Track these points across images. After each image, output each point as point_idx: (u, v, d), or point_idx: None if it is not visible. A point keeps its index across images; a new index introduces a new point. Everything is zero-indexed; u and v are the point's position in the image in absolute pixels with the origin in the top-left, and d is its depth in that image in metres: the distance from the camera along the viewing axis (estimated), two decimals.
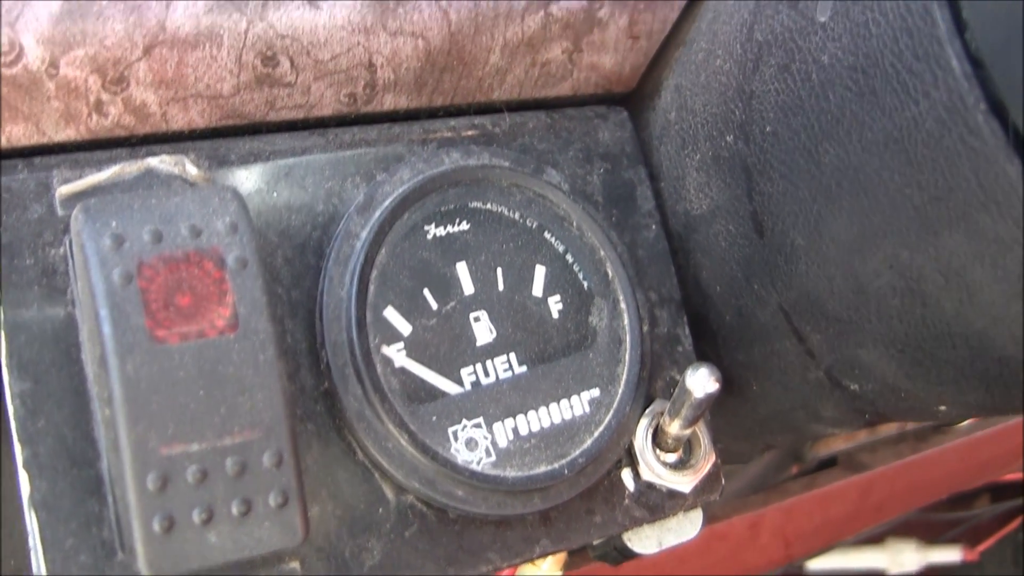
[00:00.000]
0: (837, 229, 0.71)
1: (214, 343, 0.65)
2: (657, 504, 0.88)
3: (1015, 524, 2.76)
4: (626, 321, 0.86)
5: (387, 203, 0.80)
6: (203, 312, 0.65)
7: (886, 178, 0.65)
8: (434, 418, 0.79)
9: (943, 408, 0.81)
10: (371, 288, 0.79)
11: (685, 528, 0.92)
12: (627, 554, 0.91)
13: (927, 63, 0.59)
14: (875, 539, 2.44)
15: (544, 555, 0.84)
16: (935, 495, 2.10)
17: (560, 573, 1.02)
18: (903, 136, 0.62)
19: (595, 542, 0.89)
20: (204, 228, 0.67)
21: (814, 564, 2.34)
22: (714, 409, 0.93)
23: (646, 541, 0.90)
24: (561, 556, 0.99)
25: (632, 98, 0.99)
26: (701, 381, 0.78)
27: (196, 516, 0.63)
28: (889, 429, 1.84)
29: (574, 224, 0.87)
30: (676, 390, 0.81)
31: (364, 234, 0.79)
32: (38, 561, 0.68)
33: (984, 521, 2.71)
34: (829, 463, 1.86)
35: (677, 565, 1.58)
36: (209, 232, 0.67)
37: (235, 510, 0.64)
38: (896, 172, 0.64)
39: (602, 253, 0.87)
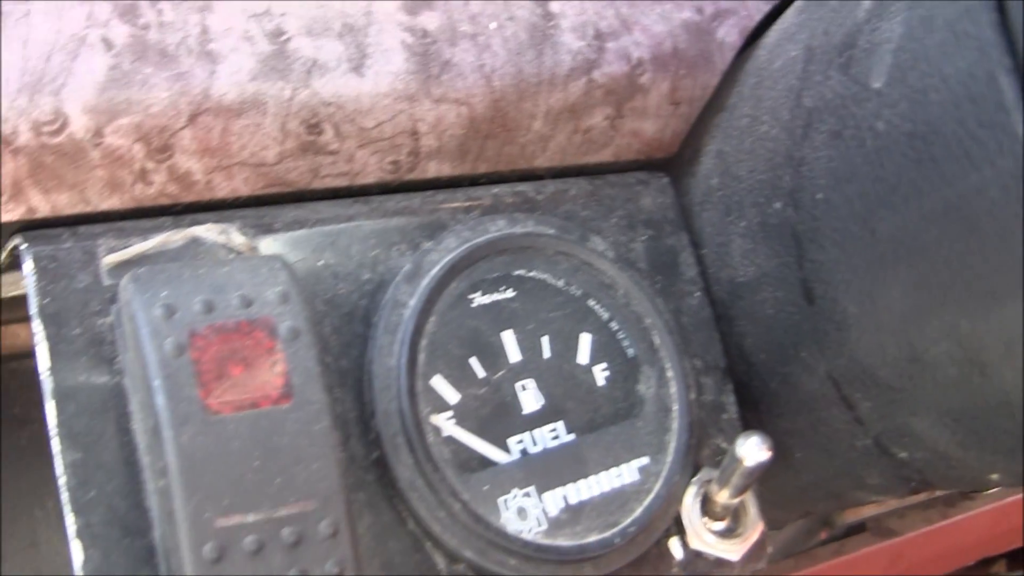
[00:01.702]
0: (892, 297, 0.70)
1: (268, 413, 0.65)
2: (705, 573, 0.86)
3: None
4: (674, 389, 0.85)
5: (434, 271, 0.80)
6: (256, 382, 0.65)
7: (945, 247, 0.64)
8: (485, 487, 0.78)
9: (994, 477, 0.80)
10: (420, 357, 0.78)
11: None
12: None
13: (992, 131, 0.59)
14: None
15: None
16: (964, 560, 2.08)
17: None
18: (964, 204, 0.62)
19: None
20: (255, 298, 0.67)
21: None
22: None
23: None
24: None
25: (671, 164, 0.99)
26: (752, 450, 0.77)
27: None
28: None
29: (620, 292, 0.86)
30: (725, 459, 0.80)
31: (412, 303, 0.78)
32: None
33: None
34: (858, 529, 1.84)
35: None
36: (260, 302, 0.67)
37: None
38: (956, 240, 0.63)
39: (648, 321, 0.86)
